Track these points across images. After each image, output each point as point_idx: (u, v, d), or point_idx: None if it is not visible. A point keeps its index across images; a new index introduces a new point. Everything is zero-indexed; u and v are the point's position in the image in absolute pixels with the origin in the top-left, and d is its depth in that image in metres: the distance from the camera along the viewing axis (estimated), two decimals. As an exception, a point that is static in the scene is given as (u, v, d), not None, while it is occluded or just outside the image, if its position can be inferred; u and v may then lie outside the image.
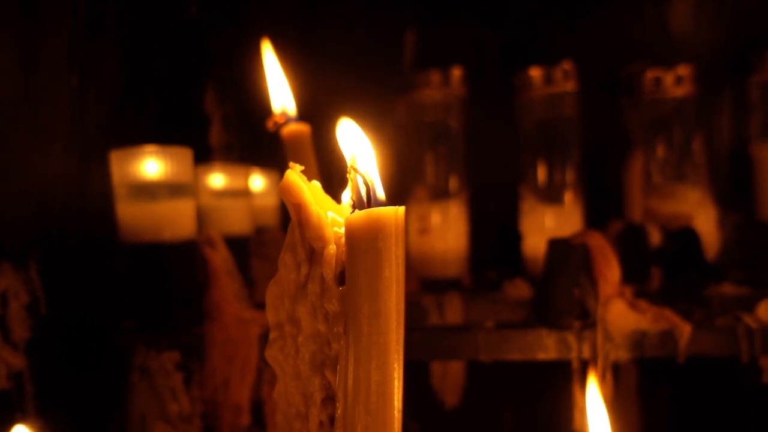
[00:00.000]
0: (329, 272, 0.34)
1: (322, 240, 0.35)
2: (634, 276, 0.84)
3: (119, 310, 0.64)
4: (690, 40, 1.00)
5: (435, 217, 0.92)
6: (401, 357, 0.34)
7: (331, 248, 0.34)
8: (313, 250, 0.35)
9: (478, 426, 0.93)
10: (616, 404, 0.90)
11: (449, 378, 0.85)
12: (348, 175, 0.34)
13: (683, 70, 0.92)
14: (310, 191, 0.35)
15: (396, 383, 0.33)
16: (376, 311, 0.33)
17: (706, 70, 0.95)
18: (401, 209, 0.33)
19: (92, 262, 0.64)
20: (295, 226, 0.36)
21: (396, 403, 0.33)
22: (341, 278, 0.34)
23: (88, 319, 0.63)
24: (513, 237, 0.94)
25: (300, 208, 0.35)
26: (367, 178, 0.34)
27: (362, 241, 0.32)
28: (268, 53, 0.61)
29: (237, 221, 0.79)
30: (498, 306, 0.77)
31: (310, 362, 0.36)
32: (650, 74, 0.93)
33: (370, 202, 0.34)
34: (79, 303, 0.62)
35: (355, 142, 0.35)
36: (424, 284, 0.88)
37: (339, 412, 0.34)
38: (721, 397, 0.95)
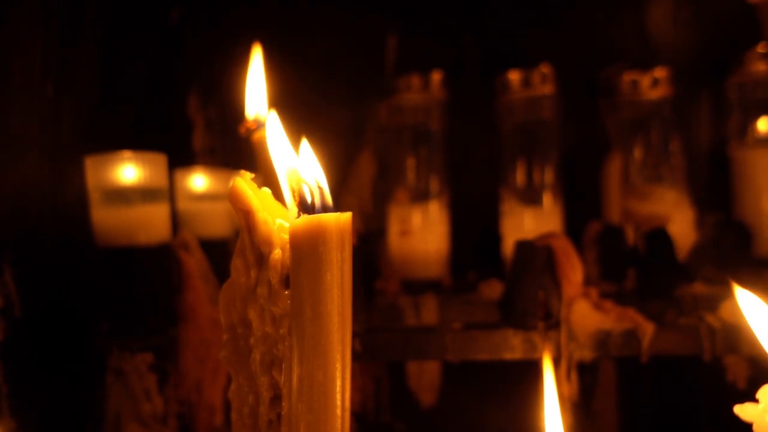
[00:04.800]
0: (275, 276, 0.36)
1: (269, 245, 0.36)
2: (611, 276, 0.85)
3: (94, 313, 0.65)
4: (668, 42, 1.00)
5: (416, 219, 0.93)
6: (346, 358, 0.35)
7: (277, 253, 0.36)
8: (261, 254, 0.37)
9: (455, 424, 0.94)
10: (594, 402, 0.92)
11: (425, 378, 0.86)
12: (289, 182, 0.36)
13: (660, 72, 0.93)
14: (258, 198, 0.37)
15: (339, 382, 0.34)
16: (318, 314, 0.34)
17: (684, 71, 0.96)
18: (345, 215, 0.34)
19: (67, 266, 0.65)
20: (245, 232, 0.37)
21: (339, 401, 0.34)
22: (287, 282, 0.36)
23: (63, 321, 0.64)
24: (493, 238, 0.95)
25: (248, 214, 0.36)
26: (310, 184, 0.36)
27: (304, 247, 0.34)
28: (251, 58, 0.62)
29: (217, 224, 0.81)
30: (473, 307, 0.77)
31: (260, 363, 0.38)
32: (627, 77, 0.94)
33: (315, 207, 0.36)
34: (54, 306, 0.63)
35: (295, 148, 0.36)
36: (405, 286, 0.88)
37: (285, 410, 0.35)
38: (700, 395, 0.96)
